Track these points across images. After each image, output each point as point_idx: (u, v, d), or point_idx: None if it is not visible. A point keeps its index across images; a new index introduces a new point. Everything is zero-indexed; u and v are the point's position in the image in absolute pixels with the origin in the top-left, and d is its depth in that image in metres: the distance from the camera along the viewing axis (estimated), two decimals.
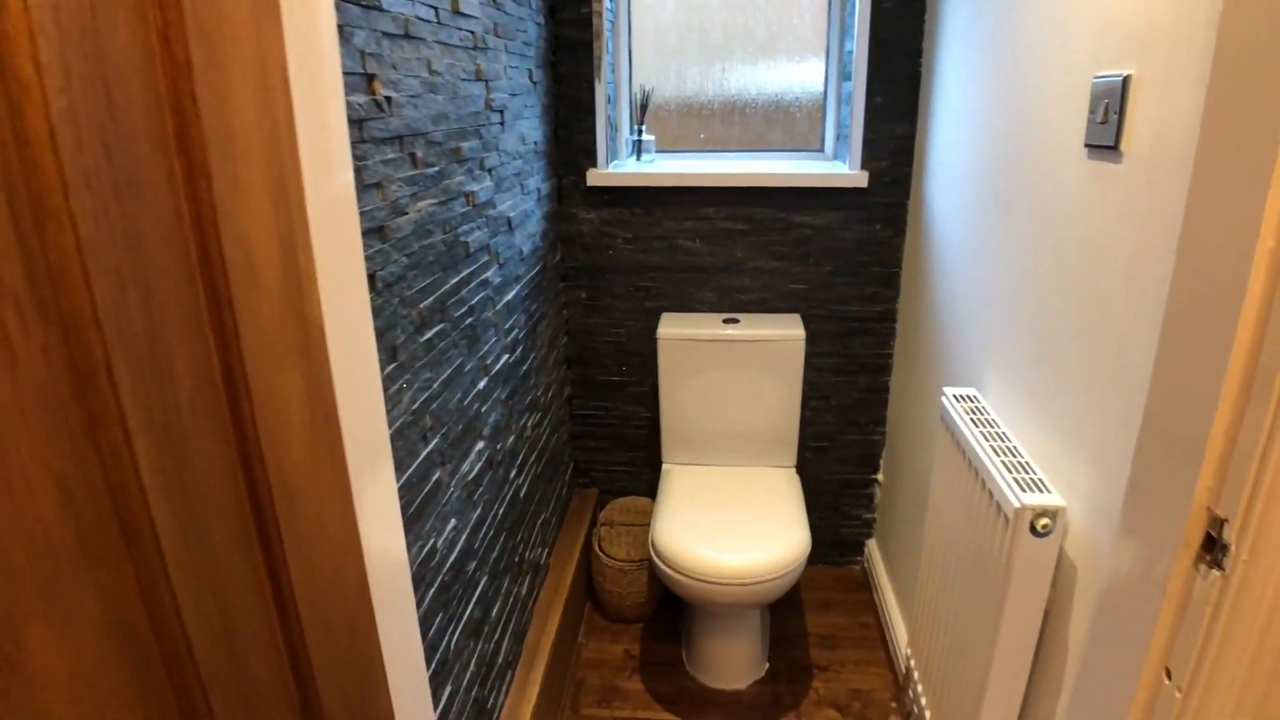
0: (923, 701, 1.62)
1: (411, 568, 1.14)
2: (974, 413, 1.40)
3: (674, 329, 2.12)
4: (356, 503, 0.75)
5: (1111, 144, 1.03)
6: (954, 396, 1.48)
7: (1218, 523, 0.69)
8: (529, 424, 1.85)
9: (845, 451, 2.44)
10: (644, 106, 2.33)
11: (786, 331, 2.11)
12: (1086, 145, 1.11)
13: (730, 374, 2.14)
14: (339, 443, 0.70)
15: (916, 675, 1.69)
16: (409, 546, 1.14)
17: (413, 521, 1.16)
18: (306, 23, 0.68)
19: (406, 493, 1.13)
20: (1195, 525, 0.71)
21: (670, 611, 2.36)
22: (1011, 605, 1.14)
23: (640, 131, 2.34)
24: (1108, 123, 1.05)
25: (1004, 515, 1.14)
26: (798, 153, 2.42)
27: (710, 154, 2.44)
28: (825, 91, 2.35)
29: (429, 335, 1.22)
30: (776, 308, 2.29)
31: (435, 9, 1.26)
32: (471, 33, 1.44)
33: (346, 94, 0.97)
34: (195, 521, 0.52)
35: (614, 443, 2.48)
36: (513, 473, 1.71)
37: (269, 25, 0.58)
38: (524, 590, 1.83)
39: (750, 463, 2.24)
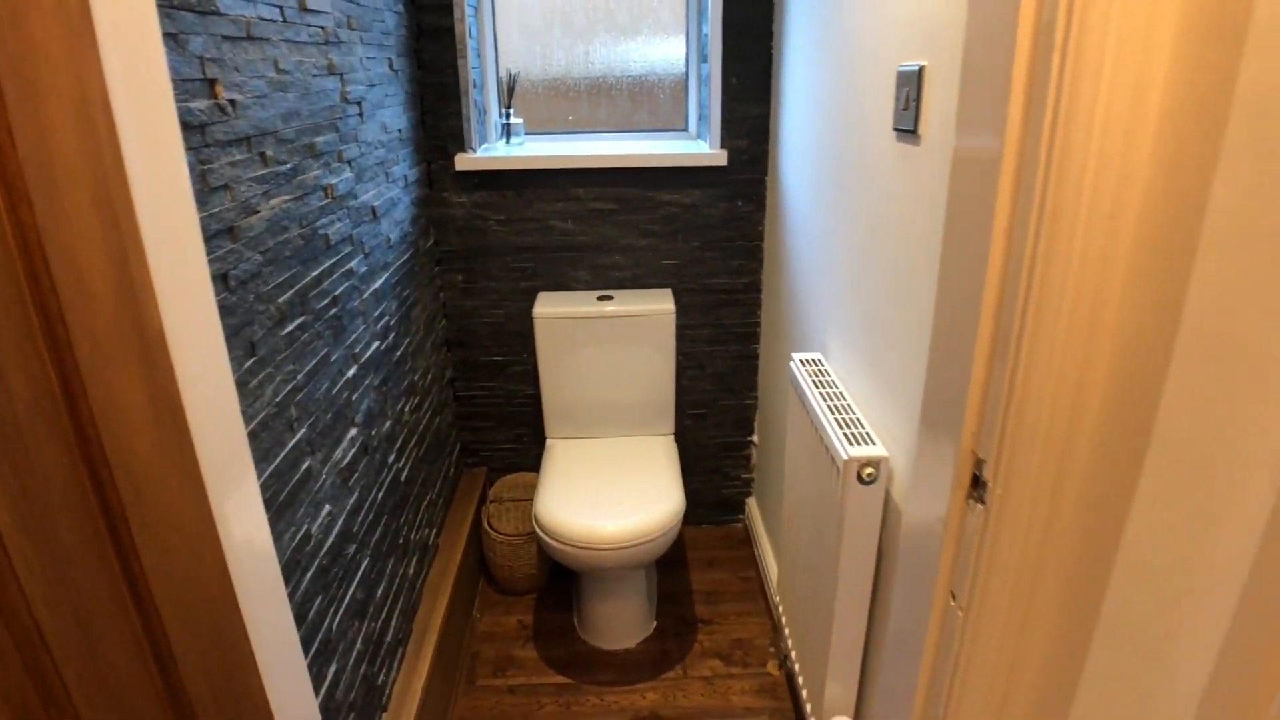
0: (790, 642, 1.75)
1: (285, 553, 1.18)
2: (817, 375, 1.52)
3: (549, 308, 2.19)
4: (212, 495, 0.80)
5: (911, 129, 1.15)
6: (800, 361, 1.60)
7: (979, 464, 0.81)
8: (406, 408, 1.89)
9: (722, 416, 2.57)
10: (511, 90, 2.37)
11: (657, 306, 2.20)
12: (895, 129, 1.23)
13: (606, 349, 2.23)
14: (188, 440, 0.74)
15: (785, 619, 1.82)
16: (281, 533, 1.18)
17: (284, 509, 1.19)
18: (127, 42, 0.71)
19: (275, 482, 1.17)
20: (964, 467, 0.83)
21: (561, 580, 2.45)
22: (847, 547, 1.27)
23: (509, 115, 2.38)
24: (909, 109, 1.16)
25: (836, 466, 1.26)
26: (664, 132, 2.50)
27: (579, 135, 2.50)
28: (687, 73, 2.44)
29: (290, 328, 1.25)
30: (649, 283, 2.38)
31: (280, 8, 1.28)
32: (322, 28, 1.45)
33: (186, 100, 0.99)
34: (40, 521, 0.56)
35: (500, 421, 2.53)
36: (391, 457, 1.75)
37: (84, 51, 0.62)
38: (411, 570, 1.88)
39: (630, 433, 2.33)
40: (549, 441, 2.32)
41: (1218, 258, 0.58)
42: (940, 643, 0.91)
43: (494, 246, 2.32)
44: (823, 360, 1.60)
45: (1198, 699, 0.64)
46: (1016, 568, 0.83)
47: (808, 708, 1.56)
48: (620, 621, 2.16)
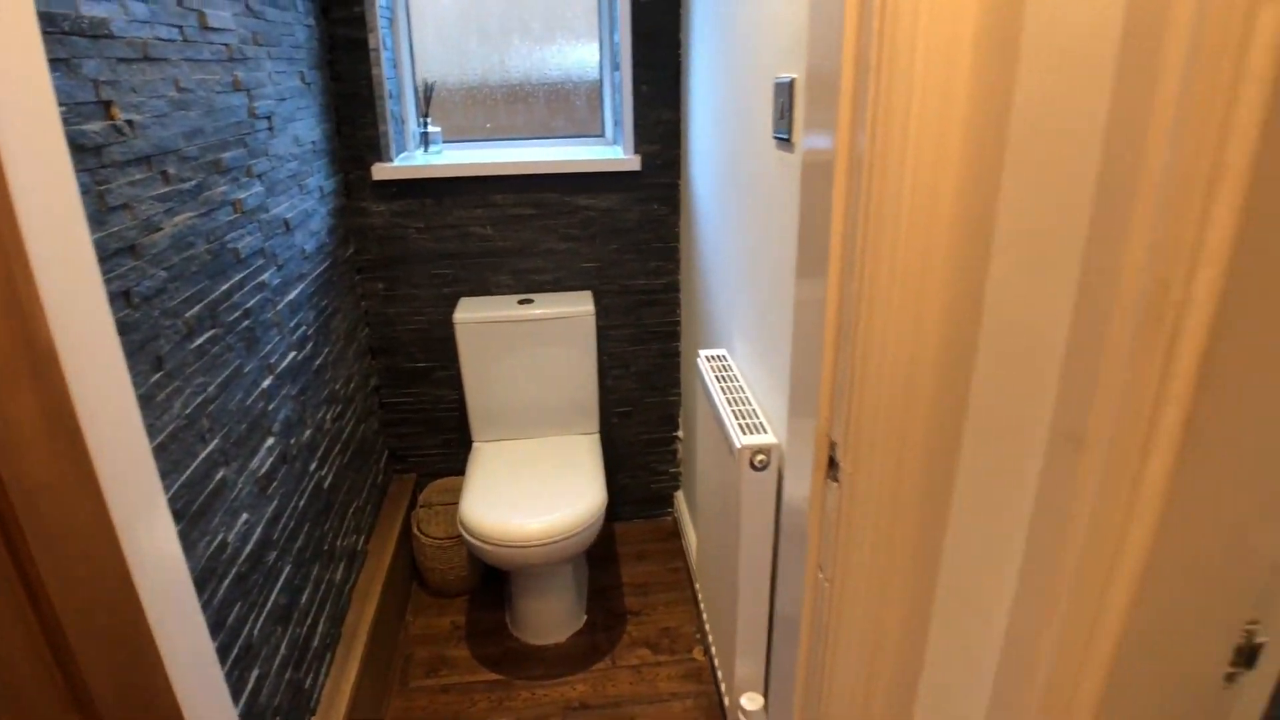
0: (708, 626, 1.83)
1: (199, 561, 1.21)
2: (721, 370, 1.60)
3: (470, 313, 2.23)
4: (113, 504, 0.83)
5: (787, 136, 1.23)
6: (706, 357, 1.67)
7: (833, 446, 0.89)
8: (328, 417, 1.91)
9: (647, 414, 2.64)
10: (428, 99, 2.41)
11: (577, 308, 2.26)
12: (774, 137, 1.30)
13: (529, 352, 2.28)
14: (84, 451, 0.78)
15: (703, 604, 1.90)
16: (195, 542, 1.21)
17: (198, 518, 1.22)
18: (10, 72, 0.74)
19: (187, 492, 1.20)
20: (821, 449, 0.91)
21: (493, 581, 2.50)
22: (745, 531, 1.34)
23: (426, 124, 2.42)
24: (784, 118, 1.24)
25: (733, 455, 1.33)
26: (581, 138, 2.56)
27: (497, 142, 2.54)
28: (601, 79, 2.50)
29: (200, 341, 1.28)
30: (570, 286, 2.44)
31: (180, 28, 1.30)
32: (226, 45, 1.48)
33: (80, 123, 1.02)
34: None
35: (427, 427, 2.56)
36: (313, 465, 1.78)
37: None
38: (339, 576, 1.91)
39: (555, 432, 2.39)
40: (475, 444, 2.36)
41: (1005, 254, 0.66)
42: (813, 613, 0.98)
43: (415, 254, 2.35)
44: (727, 356, 1.68)
45: (1002, 638, 0.73)
46: (872, 539, 0.90)
47: (723, 687, 1.64)
48: (550, 617, 2.21)
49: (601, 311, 2.47)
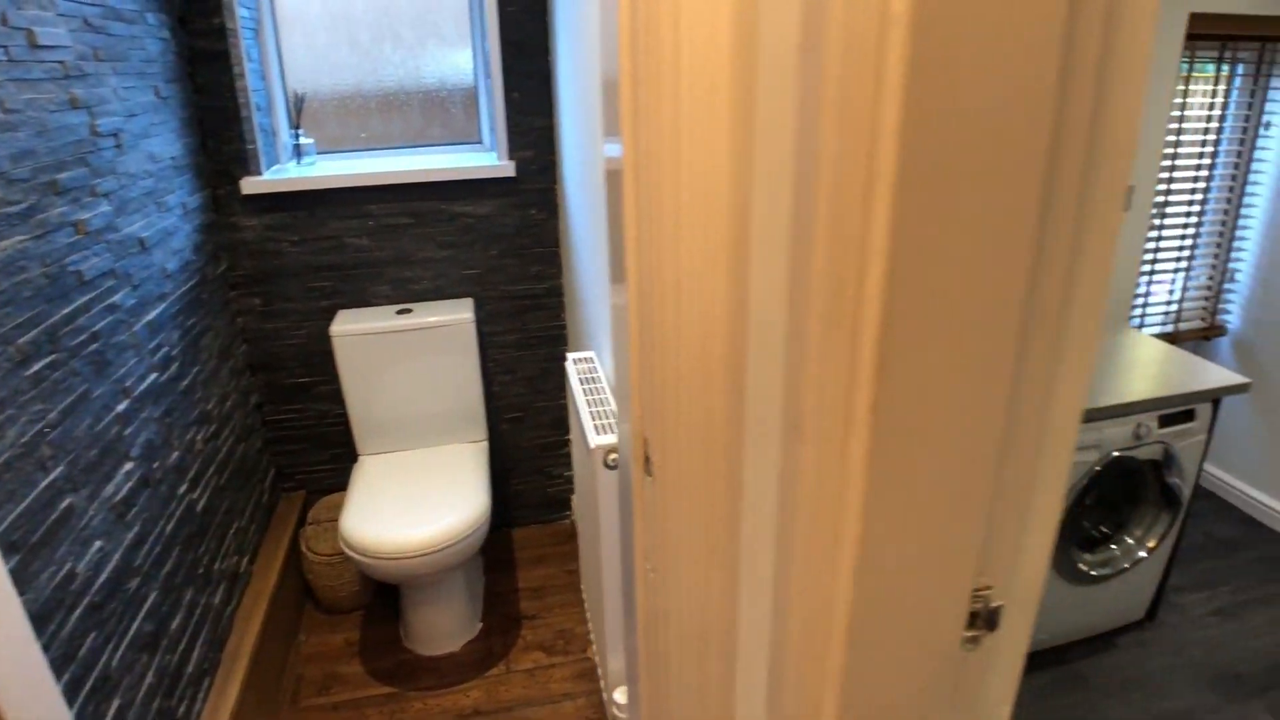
0: (590, 624, 1.86)
1: (44, 591, 1.19)
2: (587, 372, 1.63)
3: (347, 325, 2.21)
4: None
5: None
6: (574, 360, 1.70)
7: (646, 443, 0.93)
8: (199, 438, 1.88)
9: (538, 418, 2.66)
10: (299, 110, 2.38)
11: (456, 316, 2.27)
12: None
13: (409, 362, 2.27)
14: None
15: (587, 603, 1.93)
16: (38, 573, 1.18)
17: (39, 548, 1.20)
18: None
19: (26, 522, 1.17)
20: (638, 446, 0.95)
21: (387, 595, 2.48)
22: (604, 527, 1.38)
23: (298, 135, 2.39)
24: None
25: (590, 454, 1.37)
26: (460, 146, 2.56)
27: (374, 152, 2.52)
28: (476, 86, 2.51)
29: (37, 368, 1.25)
30: (452, 293, 2.44)
31: (5, 48, 1.27)
32: (60, 63, 1.44)
33: None
34: None
35: (313, 443, 2.53)
36: (183, 488, 1.75)
37: None
38: (217, 600, 1.88)
39: (441, 442, 2.39)
40: (360, 458, 2.34)
41: (759, 256, 0.71)
42: (646, 603, 1.02)
43: (290, 268, 2.32)
44: (595, 358, 1.71)
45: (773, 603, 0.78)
46: (686, 529, 0.94)
47: (603, 683, 1.67)
48: (443, 627, 2.21)
49: (485, 318, 2.48)
